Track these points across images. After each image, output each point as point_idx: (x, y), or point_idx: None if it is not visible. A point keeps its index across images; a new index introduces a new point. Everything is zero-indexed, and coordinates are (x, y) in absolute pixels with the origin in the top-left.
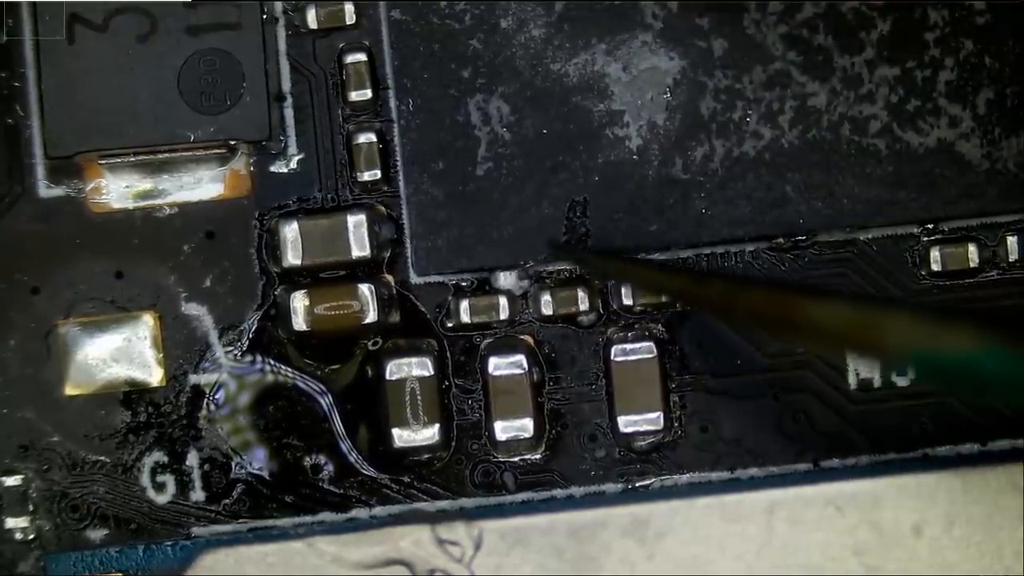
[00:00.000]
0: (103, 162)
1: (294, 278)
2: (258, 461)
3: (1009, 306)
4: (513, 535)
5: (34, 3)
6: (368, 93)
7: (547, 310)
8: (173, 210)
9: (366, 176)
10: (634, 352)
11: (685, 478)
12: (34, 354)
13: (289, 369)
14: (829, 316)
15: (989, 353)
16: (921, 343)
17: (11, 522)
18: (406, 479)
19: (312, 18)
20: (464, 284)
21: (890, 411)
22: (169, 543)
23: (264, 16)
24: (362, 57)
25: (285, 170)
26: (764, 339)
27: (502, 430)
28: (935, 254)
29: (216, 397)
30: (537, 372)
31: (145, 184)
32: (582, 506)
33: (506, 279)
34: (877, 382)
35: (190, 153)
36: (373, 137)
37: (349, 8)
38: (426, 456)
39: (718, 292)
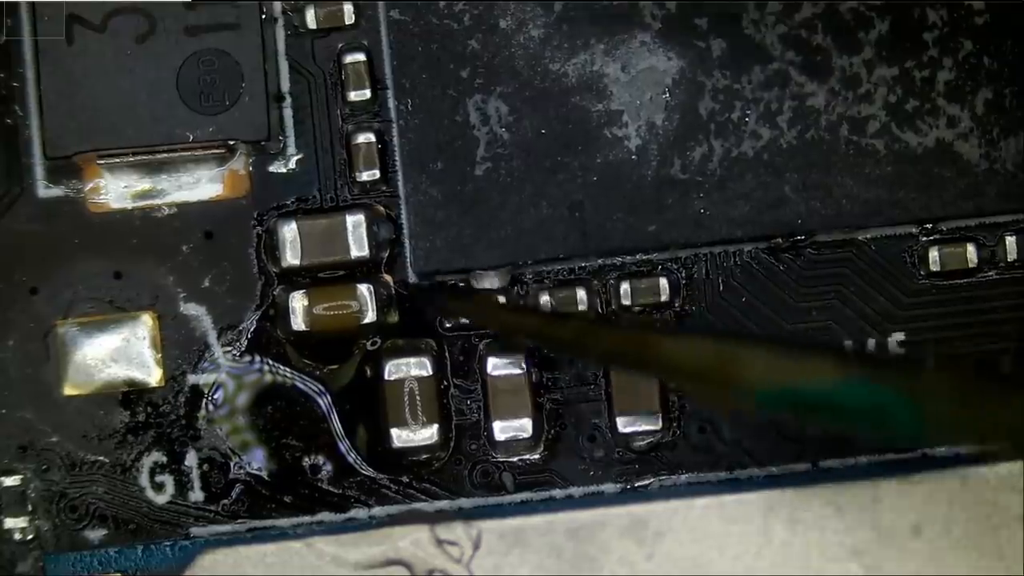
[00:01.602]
0: (102, 162)
1: (293, 278)
2: (257, 461)
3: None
4: (512, 535)
5: (33, 3)
6: (367, 93)
7: (546, 310)
8: (172, 210)
9: (365, 176)
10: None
11: (684, 478)
12: (33, 354)
13: (288, 369)
14: (686, 352)
15: (847, 384)
16: (780, 376)
17: (10, 522)
18: (405, 479)
19: (311, 18)
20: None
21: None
22: (168, 543)
23: (263, 16)
24: (361, 57)
25: (284, 170)
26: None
27: (501, 430)
28: (934, 254)
29: (215, 397)
30: (536, 372)
31: (144, 184)
32: (581, 506)
33: (485, 279)
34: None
35: (189, 153)
36: (372, 137)
37: (348, 8)
38: (425, 456)
39: (572, 332)
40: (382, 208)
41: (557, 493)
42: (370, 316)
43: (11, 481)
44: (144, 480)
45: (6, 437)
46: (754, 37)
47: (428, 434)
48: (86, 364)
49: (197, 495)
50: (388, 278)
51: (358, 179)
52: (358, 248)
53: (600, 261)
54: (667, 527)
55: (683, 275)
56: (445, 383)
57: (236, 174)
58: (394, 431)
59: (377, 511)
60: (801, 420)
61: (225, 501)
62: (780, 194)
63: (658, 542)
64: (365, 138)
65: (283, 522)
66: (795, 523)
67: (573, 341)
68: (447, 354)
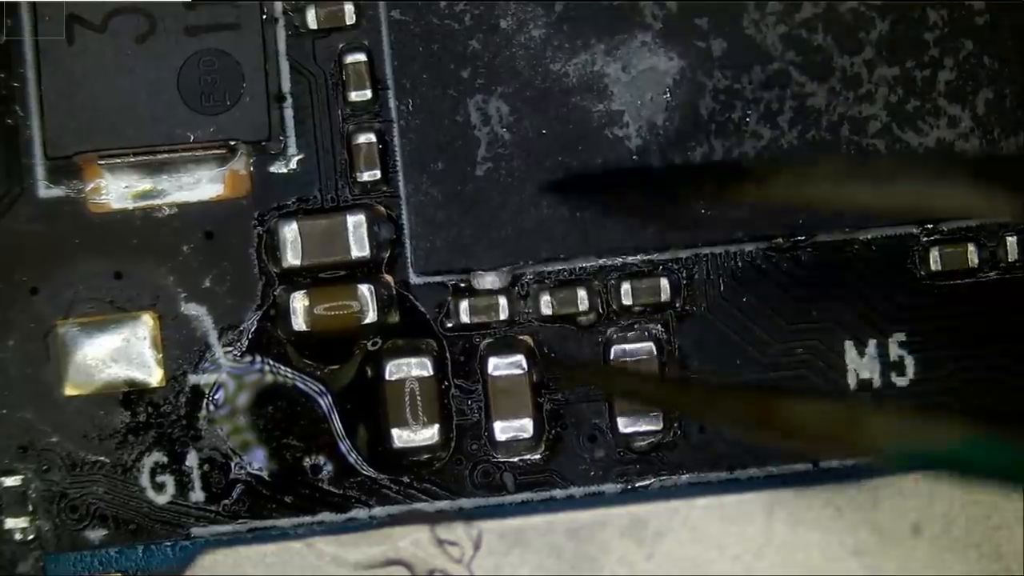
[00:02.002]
0: (102, 162)
1: (294, 278)
2: (257, 461)
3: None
4: (512, 535)
5: (34, 3)
6: (368, 93)
7: (547, 310)
8: (172, 210)
9: (366, 176)
10: (634, 352)
11: (684, 478)
12: (33, 354)
13: (289, 369)
14: (811, 418)
15: (971, 445)
16: (904, 440)
17: (11, 522)
18: (405, 479)
19: (312, 18)
20: (459, 284)
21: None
22: (168, 543)
23: (264, 16)
24: (362, 57)
25: (285, 170)
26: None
27: (501, 430)
28: (934, 254)
29: (216, 397)
30: (537, 372)
31: (144, 184)
32: (581, 506)
33: (485, 279)
34: (877, 382)
35: (189, 153)
36: (373, 137)
37: (349, 8)
38: (425, 456)
39: (697, 399)
40: (383, 208)
41: (558, 493)
42: (371, 316)
43: (12, 481)
44: (145, 480)
45: (7, 437)
46: (755, 37)
47: (429, 434)
48: (87, 364)
49: (198, 495)
50: (389, 278)
51: (359, 179)
52: (359, 248)
53: (600, 261)
54: (667, 527)
55: (684, 275)
56: (446, 383)
57: (237, 174)
58: (395, 431)
59: (378, 511)
60: (932, 475)
61: (226, 501)
62: None
63: (658, 542)
64: (366, 138)
65: (284, 522)
66: (795, 523)
67: (700, 408)
68: (448, 354)
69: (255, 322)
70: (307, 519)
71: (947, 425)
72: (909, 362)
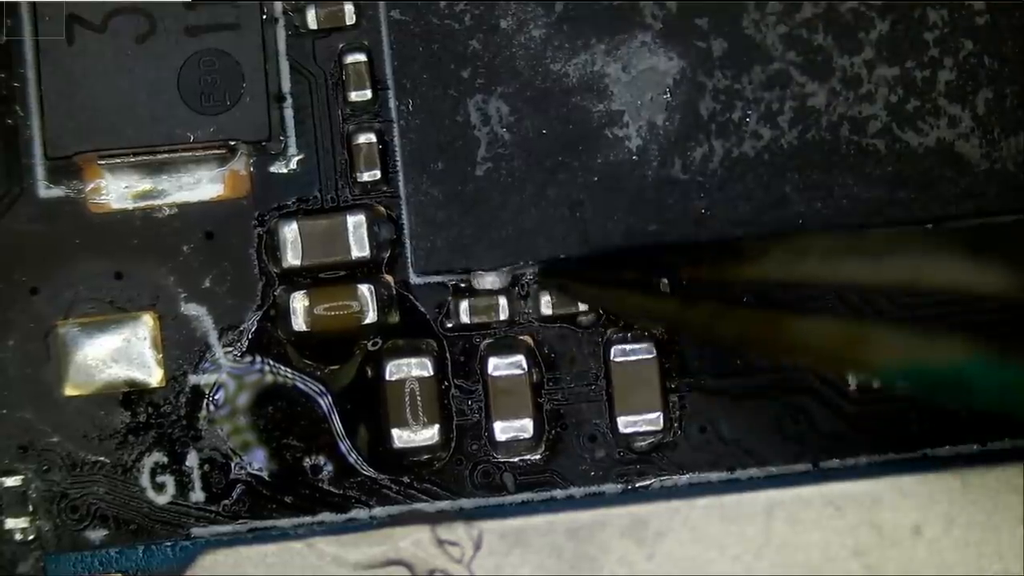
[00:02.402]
0: (102, 162)
1: (294, 278)
2: (258, 462)
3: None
4: (513, 535)
5: (34, 3)
6: (368, 93)
7: (547, 310)
8: (172, 210)
9: (366, 176)
10: (633, 352)
11: (684, 478)
12: (33, 355)
13: (289, 370)
14: (818, 334)
15: (975, 362)
16: (909, 356)
17: (11, 523)
18: (406, 480)
19: (312, 18)
20: (459, 284)
21: (889, 411)
22: (169, 543)
23: (264, 16)
24: (362, 57)
25: (285, 170)
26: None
27: (502, 431)
28: None
29: (216, 398)
30: (537, 373)
31: (144, 184)
32: (581, 506)
33: (485, 279)
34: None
35: (190, 154)
36: (373, 137)
37: (349, 8)
38: (426, 457)
39: (704, 315)
40: (383, 208)
41: (558, 493)
42: (371, 316)
43: (12, 481)
44: (145, 480)
45: (7, 437)
46: (755, 37)
47: (429, 434)
48: (87, 364)
49: (198, 495)
50: (389, 278)
51: (359, 179)
52: (359, 248)
53: None
54: (668, 527)
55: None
56: (446, 383)
57: (237, 174)
58: (395, 431)
59: (378, 511)
60: (930, 398)
61: (226, 501)
62: (781, 194)
63: (659, 542)
64: (366, 138)
65: (284, 522)
66: (795, 523)
67: (706, 324)
68: (448, 354)
69: (255, 322)
70: (307, 519)
71: (953, 343)
72: None
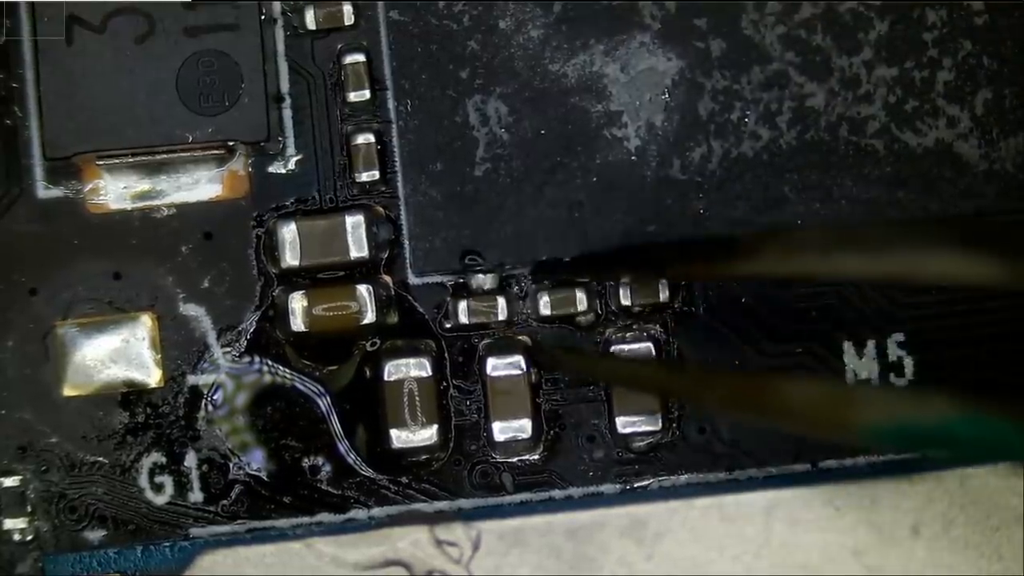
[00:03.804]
0: (101, 163)
1: (292, 279)
2: (256, 462)
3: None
4: (511, 536)
5: (33, 4)
6: (366, 94)
7: (545, 311)
8: (171, 211)
9: (364, 177)
10: (633, 353)
11: (683, 479)
12: (32, 355)
13: (287, 370)
14: (803, 397)
15: (962, 421)
16: (893, 417)
17: (9, 523)
18: (404, 480)
19: (310, 19)
20: (456, 283)
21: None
22: (167, 544)
23: (262, 17)
24: (360, 58)
25: (283, 171)
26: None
27: (500, 431)
28: None
29: (214, 398)
30: (535, 373)
31: (143, 185)
32: (580, 507)
33: (481, 279)
34: (875, 383)
35: (188, 154)
36: (371, 138)
37: (347, 9)
38: (424, 457)
39: (690, 382)
40: (381, 209)
41: (556, 494)
42: (369, 317)
43: (11, 482)
44: (143, 481)
45: (5, 438)
46: (753, 38)
47: (427, 435)
48: (85, 365)
49: (196, 496)
50: (387, 279)
51: (357, 180)
52: (357, 249)
53: None
54: (667, 527)
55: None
56: (444, 384)
57: (235, 175)
58: (393, 432)
59: (376, 512)
60: (920, 453)
61: (224, 502)
62: (779, 195)
63: (658, 542)
64: (364, 139)
65: (282, 523)
66: (795, 523)
67: (692, 390)
68: (446, 355)
69: (254, 322)
70: (306, 520)
71: (936, 402)
72: (908, 362)
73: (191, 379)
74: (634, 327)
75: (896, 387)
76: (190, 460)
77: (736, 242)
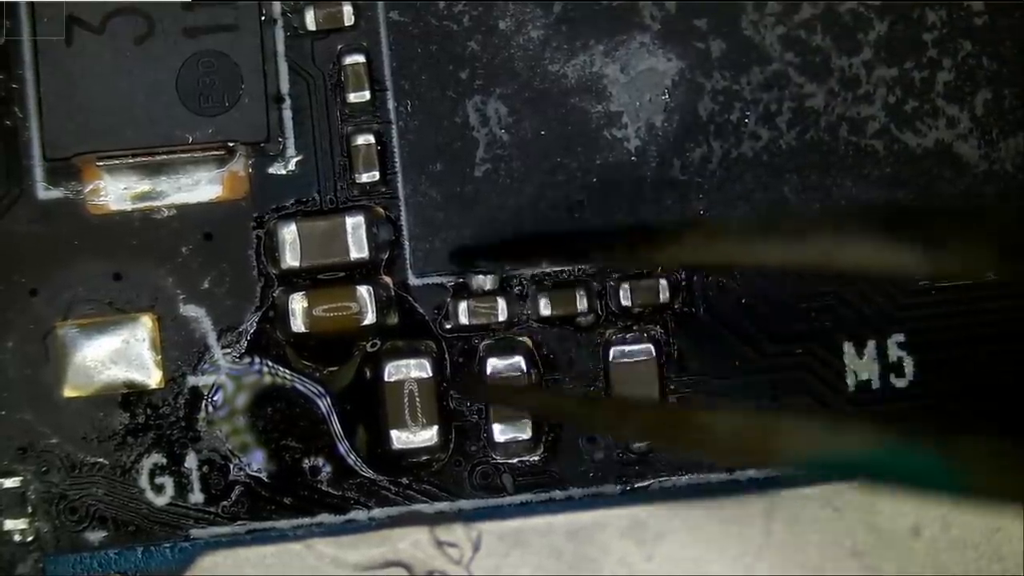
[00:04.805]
0: (101, 164)
1: (292, 280)
2: (257, 463)
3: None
4: (512, 537)
5: (32, 4)
6: (366, 95)
7: (545, 311)
8: (171, 212)
9: (364, 178)
10: (633, 353)
11: (684, 479)
12: (32, 356)
13: (288, 371)
14: (724, 428)
15: (885, 453)
16: (816, 447)
17: (10, 524)
18: (404, 481)
19: (310, 19)
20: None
21: (888, 412)
22: (168, 545)
23: (262, 17)
24: (360, 59)
25: (283, 172)
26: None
27: (500, 432)
28: None
29: (215, 399)
30: (536, 374)
31: (143, 186)
32: (581, 508)
33: (481, 280)
34: (875, 383)
35: (188, 155)
36: (371, 139)
37: (347, 9)
38: (424, 458)
39: (609, 413)
40: (381, 210)
41: (557, 494)
42: (370, 318)
43: (11, 483)
44: (144, 482)
45: (6, 439)
46: (753, 38)
47: (428, 436)
48: (86, 366)
49: (197, 497)
50: (388, 279)
51: (358, 181)
52: (358, 250)
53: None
54: (667, 528)
55: (683, 276)
56: (445, 384)
57: (235, 176)
58: (394, 433)
59: (377, 513)
60: (846, 481)
61: (225, 503)
62: (779, 195)
63: (658, 543)
64: (365, 139)
65: (283, 524)
66: (794, 524)
67: (611, 422)
68: (447, 356)
69: (254, 323)
70: (306, 520)
71: (861, 432)
72: (908, 363)
73: (191, 380)
74: (634, 328)
75: (821, 415)
76: (190, 461)
77: (655, 230)
